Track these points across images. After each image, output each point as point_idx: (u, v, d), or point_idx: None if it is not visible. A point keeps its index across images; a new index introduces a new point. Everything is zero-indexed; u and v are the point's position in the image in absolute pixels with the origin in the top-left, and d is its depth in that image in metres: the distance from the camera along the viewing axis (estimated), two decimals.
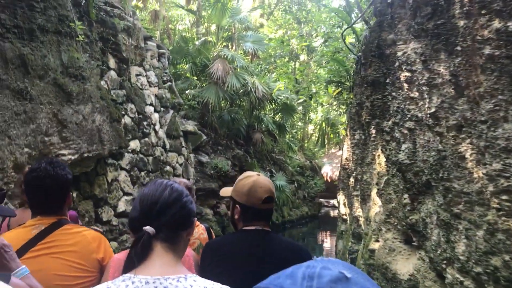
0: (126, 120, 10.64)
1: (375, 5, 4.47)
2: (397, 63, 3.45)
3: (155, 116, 12.14)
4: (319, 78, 10.10)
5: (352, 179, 5.73)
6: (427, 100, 2.89)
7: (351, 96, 6.93)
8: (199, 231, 3.30)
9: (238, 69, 16.13)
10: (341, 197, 7.33)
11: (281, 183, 17.27)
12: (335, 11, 8.60)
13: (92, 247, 2.24)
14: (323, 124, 21.90)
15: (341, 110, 9.32)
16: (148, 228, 1.48)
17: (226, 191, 2.53)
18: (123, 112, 10.47)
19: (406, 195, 3.38)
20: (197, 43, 17.30)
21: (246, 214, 2.30)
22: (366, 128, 4.83)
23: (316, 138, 26.79)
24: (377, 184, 4.09)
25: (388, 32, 3.95)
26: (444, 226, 2.83)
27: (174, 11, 26.42)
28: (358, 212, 5.23)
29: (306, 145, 28.77)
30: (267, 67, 22.19)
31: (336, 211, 29.79)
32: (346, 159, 6.95)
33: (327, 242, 19.85)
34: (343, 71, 7.92)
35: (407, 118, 3.24)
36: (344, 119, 19.02)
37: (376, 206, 4.20)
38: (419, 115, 3.08)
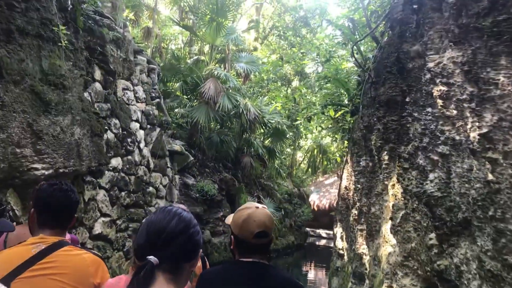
0: (109, 135, 9.99)
1: (393, 15, 3.97)
2: (427, 76, 2.92)
3: (141, 133, 11.51)
4: (316, 101, 9.70)
5: (354, 211, 5.13)
6: (471, 119, 2.34)
7: (351, 120, 6.40)
8: None
9: (231, 90, 15.63)
10: (338, 229, 6.70)
11: (269, 210, 16.57)
12: (340, 27, 8.18)
13: (90, 271, 2.23)
14: (315, 151, 21.38)
15: (337, 136, 8.85)
16: (152, 258, 1.48)
17: (228, 219, 2.51)
18: (106, 127, 9.83)
19: (432, 235, 2.79)
20: (189, 61, 16.84)
21: (240, 247, 2.30)
22: (376, 154, 4.27)
23: (306, 165, 26.25)
24: (391, 219, 3.51)
25: (411, 43, 3.44)
26: (491, 278, 2.23)
27: (168, 30, 26.09)
28: (363, 249, 4.62)
29: (294, 172, 28.19)
30: (260, 90, 21.77)
31: (323, 241, 29.39)
32: (345, 188, 6.37)
33: (311, 273, 19.25)
34: (343, 93, 7.46)
35: (439, 142, 2.69)
36: (337, 146, 18.56)
37: (388, 244, 3.60)
38: (457, 137, 2.53)
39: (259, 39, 25.99)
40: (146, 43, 19.51)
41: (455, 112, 2.54)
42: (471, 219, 2.44)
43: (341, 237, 6.44)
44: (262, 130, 19.55)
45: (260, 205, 2.44)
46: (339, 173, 34.57)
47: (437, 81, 2.69)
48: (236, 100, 15.13)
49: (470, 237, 2.47)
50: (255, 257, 2.27)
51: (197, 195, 13.88)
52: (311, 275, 18.59)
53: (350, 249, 5.52)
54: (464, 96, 2.45)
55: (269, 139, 19.38)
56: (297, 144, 28.20)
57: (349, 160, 6.28)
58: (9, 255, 2.15)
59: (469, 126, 2.41)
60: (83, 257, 2.27)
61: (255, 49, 25.33)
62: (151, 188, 11.76)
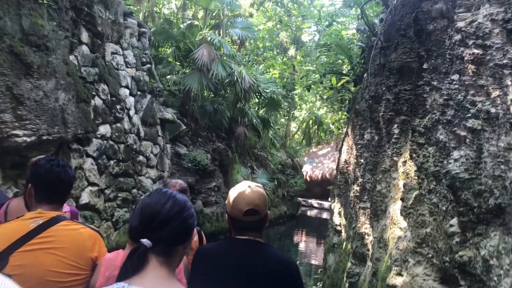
0: (97, 101, 9.53)
1: None
2: (455, 38, 2.51)
3: (130, 100, 11.03)
4: (315, 70, 9.25)
5: (356, 187, 4.78)
6: None
7: (354, 90, 5.98)
8: None
9: (225, 57, 15.04)
10: (336, 205, 6.38)
11: (262, 180, 16.34)
12: None
13: (88, 245, 2.25)
14: (310, 122, 20.98)
15: (335, 107, 8.46)
16: (145, 241, 1.50)
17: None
18: (93, 93, 9.36)
19: (454, 221, 2.45)
20: (182, 26, 16.15)
21: (232, 224, 2.35)
22: (383, 127, 3.88)
23: (301, 137, 25.92)
24: (402, 200, 3.16)
25: (433, 1, 3.00)
26: None
27: None
28: (365, 228, 4.29)
29: (288, 142, 27.88)
30: (255, 58, 21.12)
31: (314, 211, 29.39)
32: (345, 162, 6.02)
33: (303, 243, 19.34)
34: (345, 61, 7.01)
35: (468, 115, 2.30)
36: (331, 117, 18.19)
37: (396, 227, 3.26)
38: (493, 110, 2.15)
39: (255, 5, 25.14)
40: (137, 7, 18.75)
41: (491, 80, 2.15)
42: (506, 207, 2.08)
43: (339, 213, 6.13)
44: (256, 100, 19.08)
45: (253, 184, 2.42)
46: (333, 145, 34.47)
47: (470, 43, 2.28)
48: (231, 67, 14.56)
49: (503, 227, 2.13)
50: (249, 235, 2.29)
51: (189, 165, 13.52)
52: (302, 245, 18.63)
53: (349, 227, 5.21)
54: (504, 61, 2.06)
55: (264, 109, 18.91)
56: (291, 114, 27.80)
57: (350, 133, 5.91)
58: (7, 230, 2.18)
59: (510, 96, 2.02)
60: (81, 231, 2.28)
61: (251, 15, 24.53)
62: (141, 157, 11.37)
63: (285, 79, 20.21)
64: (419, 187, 2.98)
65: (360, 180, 4.62)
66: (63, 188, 2.39)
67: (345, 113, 7.64)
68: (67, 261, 2.16)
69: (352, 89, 5.52)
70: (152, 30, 14.95)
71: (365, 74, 5.31)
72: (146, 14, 20.57)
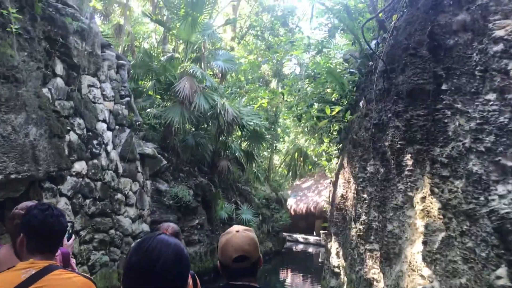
0: (72, 137, 8.96)
1: None
2: (495, 49, 2.09)
3: (108, 134, 10.48)
4: (304, 98, 8.90)
5: (359, 226, 4.30)
6: None
7: (349, 119, 5.58)
8: None
9: (207, 89, 14.68)
10: (333, 244, 5.87)
11: (247, 217, 15.77)
12: (335, 13, 7.37)
13: None
14: (296, 155, 20.58)
15: (324, 138, 8.09)
16: None
17: None
18: (68, 127, 8.80)
19: (501, 271, 1.97)
20: (162, 59, 15.80)
21: (224, 272, 2.31)
22: (392, 158, 3.45)
23: (285, 169, 25.49)
24: (425, 243, 2.68)
25: (452, 12, 2.63)
26: None
27: (140, 27, 24.99)
28: (373, 274, 3.80)
29: (271, 176, 27.40)
30: (238, 90, 20.84)
31: (300, 246, 28.73)
32: (342, 197, 5.56)
33: (288, 279, 18.87)
34: (336, 88, 6.66)
35: None
36: (313, 149, 17.84)
37: (416, 274, 2.78)
38: None
39: (236, 38, 25.14)
40: (116, 41, 18.42)
41: None
42: None
43: (337, 254, 5.62)
44: (239, 133, 18.68)
45: (241, 228, 2.37)
46: (316, 177, 34.13)
47: None
48: (213, 100, 14.18)
49: None
50: (243, 280, 2.25)
51: (171, 202, 12.88)
52: (290, 284, 17.96)
53: (351, 270, 4.70)
54: None
55: (247, 142, 18.50)
56: (274, 147, 27.47)
57: (346, 165, 5.48)
58: None
59: None
60: (74, 280, 2.28)
61: (232, 49, 24.48)
62: (119, 195, 10.72)
63: (269, 111, 19.87)
64: (446, 228, 2.52)
65: (364, 218, 4.15)
66: (57, 238, 2.39)
67: (336, 145, 7.24)
68: None
69: (348, 117, 5.13)
70: (131, 63, 14.57)
71: (361, 102, 4.93)
72: (125, 48, 20.26)
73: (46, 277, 2.19)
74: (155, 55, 16.49)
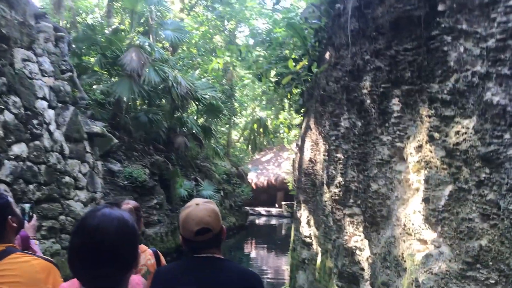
0: (7, 117, 8.06)
1: None
2: None
3: (50, 113, 9.55)
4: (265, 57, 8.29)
5: (334, 189, 3.83)
6: None
7: (317, 71, 5.03)
8: (147, 256, 3.20)
9: (157, 61, 13.75)
10: (302, 212, 5.42)
11: (208, 193, 15.22)
12: None
13: (40, 277, 2.15)
14: (255, 125, 20.03)
15: (284, 104, 7.59)
16: None
17: None
18: (2, 107, 7.87)
19: None
20: (107, 31, 14.70)
21: (187, 246, 2.26)
22: (373, 107, 2.95)
23: (245, 144, 24.97)
24: (426, 200, 2.20)
25: None
26: None
27: (82, 2, 23.40)
28: (355, 242, 3.35)
29: (231, 151, 26.88)
30: (190, 62, 19.87)
31: (263, 219, 28.73)
32: (310, 161, 5.08)
33: (253, 253, 18.98)
34: (298, 43, 6.14)
35: None
36: (275, 121, 17.38)
37: (413, 239, 2.33)
38: None
39: (185, 10, 24.00)
40: (57, 18, 17.05)
41: None
42: None
43: (308, 222, 5.17)
44: (195, 107, 17.91)
45: (201, 201, 2.32)
46: (275, 150, 33.99)
47: None
48: (164, 72, 13.29)
49: None
50: (207, 252, 2.22)
51: (125, 182, 12.12)
52: (256, 257, 17.76)
53: (326, 239, 4.25)
54: None
55: (204, 116, 17.76)
56: (232, 122, 26.91)
57: (313, 126, 4.99)
58: None
59: None
60: (32, 263, 2.18)
61: (182, 20, 23.36)
62: (67, 178, 9.88)
63: (224, 86, 19.12)
64: (455, 180, 2.06)
65: (340, 179, 3.68)
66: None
67: (299, 108, 6.73)
68: None
69: (315, 71, 4.59)
70: (73, 36, 13.45)
71: (328, 53, 4.40)
72: (68, 25, 18.88)
73: (3, 261, 2.11)
74: (99, 28, 15.31)
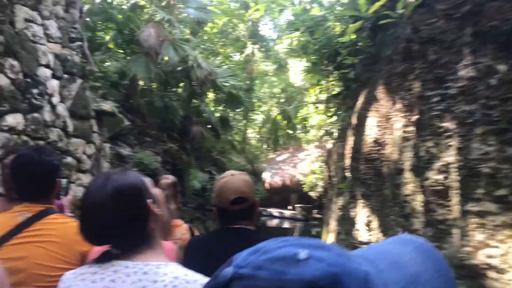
0: (2, 81, 6.95)
1: None
2: None
3: (53, 83, 8.45)
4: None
5: (436, 176, 2.57)
6: None
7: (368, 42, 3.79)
8: (182, 231, 3.29)
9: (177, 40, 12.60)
10: (359, 211, 4.14)
11: None
12: None
13: (77, 239, 1.97)
14: (278, 117, 18.77)
15: (327, 80, 6.46)
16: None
17: None
18: None
19: None
20: (125, 7, 13.61)
21: (221, 216, 2.27)
22: None
23: (265, 139, 23.81)
24: None
25: None
26: None
27: None
28: (488, 256, 2.06)
29: (247, 147, 25.79)
30: (212, 46, 18.68)
31: (275, 221, 27.53)
32: (375, 142, 3.85)
33: None
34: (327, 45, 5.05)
35: None
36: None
37: None
38: None
39: None
40: None
41: None
42: None
43: (367, 224, 3.90)
44: (213, 96, 16.76)
45: (236, 172, 2.34)
46: (291, 150, 32.77)
47: None
48: (184, 51, 12.12)
49: None
50: (241, 224, 2.20)
51: (135, 168, 10.98)
52: None
53: None
54: None
55: (222, 106, 16.60)
56: (249, 117, 25.81)
57: (382, 95, 3.73)
58: None
59: None
60: (70, 225, 2.18)
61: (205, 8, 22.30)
62: (69, 159, 8.76)
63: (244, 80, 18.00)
64: None
65: (448, 159, 2.38)
66: (39, 178, 2.24)
67: (349, 82, 5.48)
68: (55, 254, 2.11)
69: (400, 10, 3.32)
70: (87, 9, 12.38)
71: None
72: None
73: (42, 221, 2.15)
74: (117, 3, 14.24)
